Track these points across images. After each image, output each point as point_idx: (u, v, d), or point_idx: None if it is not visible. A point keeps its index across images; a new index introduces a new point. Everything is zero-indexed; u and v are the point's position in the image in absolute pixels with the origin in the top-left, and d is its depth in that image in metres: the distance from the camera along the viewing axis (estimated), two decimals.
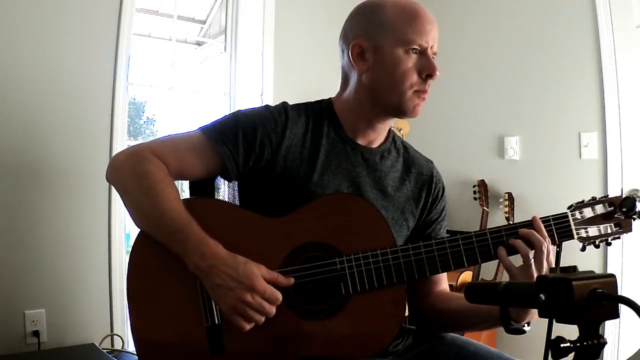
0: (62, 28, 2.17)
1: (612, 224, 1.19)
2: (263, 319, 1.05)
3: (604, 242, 1.20)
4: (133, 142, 2.78)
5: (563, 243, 1.18)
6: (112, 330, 2.27)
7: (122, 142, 2.31)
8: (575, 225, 1.17)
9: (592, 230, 1.19)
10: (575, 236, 1.18)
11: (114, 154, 2.25)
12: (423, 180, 1.32)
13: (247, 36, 2.87)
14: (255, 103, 2.76)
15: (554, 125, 2.65)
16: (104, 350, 2.08)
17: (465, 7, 3.00)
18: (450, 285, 1.60)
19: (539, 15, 2.70)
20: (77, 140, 2.21)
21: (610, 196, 1.21)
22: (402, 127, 2.70)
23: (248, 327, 1.05)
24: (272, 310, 1.06)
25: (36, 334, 2.07)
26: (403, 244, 1.28)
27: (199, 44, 3.21)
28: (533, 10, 2.72)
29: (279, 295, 1.06)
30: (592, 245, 1.20)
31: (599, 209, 1.20)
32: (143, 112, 4.41)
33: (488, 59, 2.90)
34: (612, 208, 1.19)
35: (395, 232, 1.20)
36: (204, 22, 3.25)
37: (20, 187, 2.09)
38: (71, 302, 2.19)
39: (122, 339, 2.27)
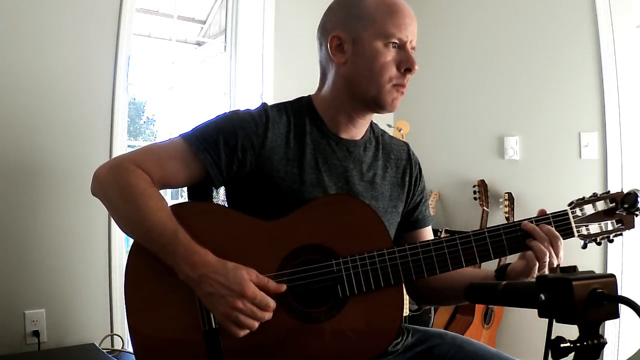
0: (62, 28, 2.17)
1: (614, 221, 1.17)
2: (256, 324, 1.04)
3: (606, 239, 1.18)
4: (133, 142, 2.78)
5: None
6: (112, 330, 2.27)
7: (122, 142, 2.31)
8: (575, 223, 1.16)
9: (593, 228, 1.17)
10: (576, 234, 1.16)
11: (114, 154, 2.26)
12: (404, 165, 1.34)
13: (247, 36, 2.87)
14: (255, 103, 2.75)
15: (554, 125, 2.65)
16: (104, 350, 2.08)
17: (465, 7, 3.00)
18: None
19: (539, 15, 2.70)
20: (77, 140, 2.21)
21: (611, 192, 1.19)
22: (402, 127, 2.69)
23: (242, 333, 1.04)
24: (264, 315, 1.04)
25: (36, 334, 2.06)
26: (395, 233, 1.30)
27: (199, 44, 3.22)
28: (533, 10, 2.72)
29: (270, 302, 1.05)
30: (593, 243, 1.18)
31: (600, 205, 1.18)
32: (143, 112, 4.42)
33: (488, 59, 2.90)
34: (614, 204, 1.17)
35: (387, 221, 1.21)
36: (204, 22, 3.26)
37: (20, 187, 2.09)
38: (71, 302, 2.19)
39: (122, 339, 2.27)
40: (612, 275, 0.69)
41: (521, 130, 2.78)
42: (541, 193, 2.67)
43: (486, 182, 2.82)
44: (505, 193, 2.70)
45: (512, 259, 1.21)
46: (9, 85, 2.07)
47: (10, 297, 2.05)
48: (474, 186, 2.83)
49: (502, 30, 2.85)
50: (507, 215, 2.65)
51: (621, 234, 1.18)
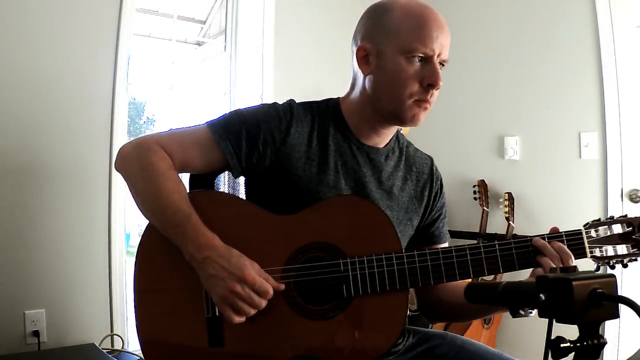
0: (62, 28, 2.17)
1: (630, 245, 1.15)
2: (252, 311, 1.05)
3: (620, 264, 1.15)
4: None
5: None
6: (112, 330, 2.27)
7: (122, 142, 2.30)
8: (589, 244, 1.14)
9: (607, 250, 1.15)
10: (589, 255, 1.14)
11: (114, 154, 2.26)
12: (424, 179, 1.33)
13: (247, 36, 2.87)
14: (255, 103, 2.76)
15: (554, 125, 2.65)
16: (104, 350, 2.08)
17: (465, 7, 3.00)
18: None
19: (539, 16, 2.70)
20: (77, 140, 2.21)
21: (629, 216, 1.17)
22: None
23: (237, 318, 1.05)
24: (262, 303, 1.05)
25: (36, 334, 2.06)
26: (407, 244, 1.29)
27: (199, 44, 3.22)
28: (533, 10, 2.72)
29: (269, 288, 1.05)
30: (606, 266, 1.15)
31: (616, 228, 1.16)
32: (143, 112, 4.42)
33: (488, 59, 2.90)
34: (631, 228, 1.15)
35: (399, 232, 1.20)
36: (204, 22, 3.26)
37: (20, 187, 2.09)
38: (71, 302, 2.19)
39: (122, 339, 2.27)
40: (612, 275, 0.69)
41: (521, 130, 2.78)
42: (541, 193, 2.67)
43: (486, 182, 2.82)
44: (505, 193, 2.70)
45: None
46: (8, 85, 2.06)
47: (10, 297, 2.05)
48: (474, 186, 2.83)
49: (501, 31, 2.85)
50: (507, 216, 2.65)
51: (636, 259, 1.16)
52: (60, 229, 2.17)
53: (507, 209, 2.67)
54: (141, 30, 2.77)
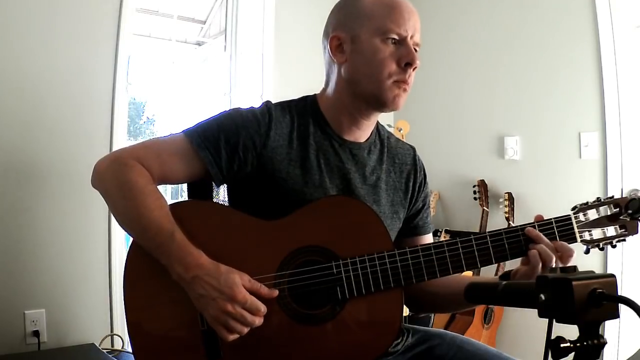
0: (62, 28, 2.17)
1: (617, 226, 1.16)
2: (246, 329, 1.03)
3: (609, 245, 1.17)
4: (133, 142, 2.78)
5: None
6: (112, 330, 2.27)
7: (122, 142, 2.31)
8: (578, 228, 1.15)
9: (596, 233, 1.16)
10: (579, 239, 1.15)
11: None
12: (408, 170, 1.32)
13: (247, 36, 2.87)
14: (255, 103, 2.76)
15: (554, 125, 2.65)
16: (104, 350, 2.08)
17: (465, 6, 3.00)
18: None
19: (539, 15, 2.70)
20: (77, 140, 2.21)
21: (615, 197, 1.18)
22: (402, 126, 2.70)
23: (231, 337, 1.03)
24: (255, 320, 1.03)
25: (36, 334, 2.06)
26: (396, 239, 1.29)
27: (199, 44, 3.22)
28: (533, 10, 2.72)
29: (261, 306, 1.04)
30: (596, 248, 1.17)
31: (604, 210, 1.16)
32: (143, 112, 4.42)
33: (488, 59, 2.90)
34: (618, 209, 1.16)
35: (388, 226, 1.20)
36: (204, 22, 3.26)
37: (20, 187, 2.09)
38: (71, 302, 2.19)
39: (122, 339, 2.27)
40: (612, 275, 0.69)
41: (521, 130, 2.78)
42: (541, 193, 2.67)
43: (486, 182, 2.82)
44: (505, 193, 2.70)
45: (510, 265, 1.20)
46: (8, 85, 2.06)
47: (10, 297, 2.05)
48: (474, 186, 2.83)
49: (502, 31, 2.85)
50: (507, 216, 2.65)
51: (624, 240, 1.17)
52: (60, 229, 2.16)
53: (507, 209, 2.67)
54: (141, 30, 2.77)
